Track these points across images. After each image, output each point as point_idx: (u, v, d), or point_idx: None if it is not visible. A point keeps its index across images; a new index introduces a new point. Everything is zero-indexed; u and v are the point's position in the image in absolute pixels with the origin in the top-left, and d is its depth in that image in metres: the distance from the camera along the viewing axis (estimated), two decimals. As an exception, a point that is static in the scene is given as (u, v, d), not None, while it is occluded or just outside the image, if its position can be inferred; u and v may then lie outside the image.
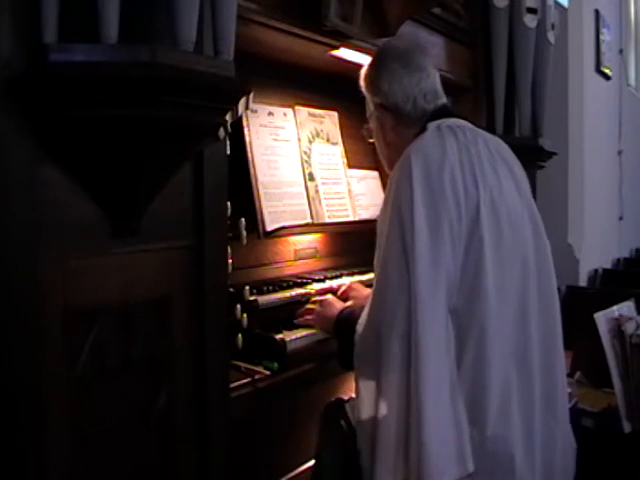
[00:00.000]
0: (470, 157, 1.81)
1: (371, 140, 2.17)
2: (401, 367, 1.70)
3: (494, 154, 1.89)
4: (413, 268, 1.69)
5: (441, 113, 1.96)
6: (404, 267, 1.72)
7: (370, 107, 2.08)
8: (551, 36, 3.38)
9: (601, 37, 5.63)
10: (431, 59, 2.06)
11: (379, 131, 2.06)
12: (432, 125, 1.89)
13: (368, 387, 1.77)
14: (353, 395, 1.90)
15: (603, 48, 5.68)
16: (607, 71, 5.83)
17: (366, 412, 1.76)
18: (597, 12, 5.57)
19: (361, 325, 1.85)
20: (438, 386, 1.66)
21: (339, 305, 2.16)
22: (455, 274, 1.71)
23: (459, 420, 1.68)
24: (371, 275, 2.51)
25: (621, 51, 6.64)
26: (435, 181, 1.74)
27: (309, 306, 2.26)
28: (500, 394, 1.70)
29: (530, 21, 3.24)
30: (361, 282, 2.47)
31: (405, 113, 1.96)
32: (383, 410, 1.72)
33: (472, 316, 1.71)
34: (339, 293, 2.38)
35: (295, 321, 2.24)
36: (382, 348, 1.73)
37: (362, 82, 2.09)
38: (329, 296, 2.26)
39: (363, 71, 2.09)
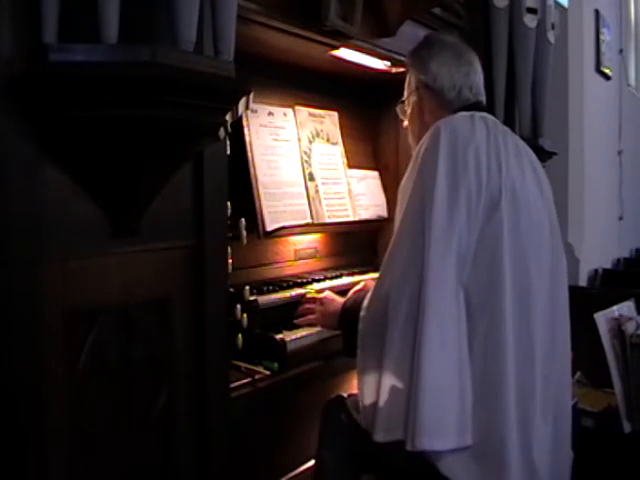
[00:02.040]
0: (497, 145, 1.82)
1: (403, 118, 2.18)
2: (408, 327, 1.70)
3: (522, 152, 1.91)
4: (427, 234, 1.70)
5: (479, 106, 1.99)
6: (420, 232, 1.72)
7: (412, 85, 2.09)
8: (551, 36, 3.38)
9: (601, 37, 5.63)
10: (479, 59, 2.08)
11: (417, 109, 2.08)
12: (465, 112, 1.91)
13: (375, 347, 1.76)
14: (354, 392, 1.90)
15: (603, 48, 5.68)
16: (607, 71, 5.83)
17: (371, 371, 1.77)
18: (597, 12, 5.57)
19: (367, 302, 1.86)
20: (442, 352, 1.66)
21: (340, 300, 2.17)
22: (468, 247, 1.71)
23: (464, 392, 1.68)
24: (371, 275, 2.52)
25: (621, 51, 6.64)
26: (460, 154, 1.75)
27: (307, 305, 2.27)
28: (512, 381, 1.70)
29: (530, 21, 3.24)
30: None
31: (448, 99, 1.99)
32: (387, 372, 1.72)
33: (485, 295, 1.71)
34: (352, 292, 2.38)
35: (296, 321, 2.24)
36: (390, 310, 1.74)
37: (410, 59, 2.10)
38: (327, 293, 2.26)
39: (413, 49, 2.11)
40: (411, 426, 1.65)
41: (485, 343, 1.70)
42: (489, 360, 1.70)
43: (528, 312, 1.77)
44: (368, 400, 1.77)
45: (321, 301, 2.21)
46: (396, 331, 1.72)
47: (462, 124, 1.83)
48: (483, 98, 2.04)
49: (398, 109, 2.20)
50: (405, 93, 2.13)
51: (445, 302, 1.68)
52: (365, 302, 1.88)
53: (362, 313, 1.86)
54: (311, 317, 2.22)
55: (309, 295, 2.31)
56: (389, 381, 1.72)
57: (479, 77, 2.04)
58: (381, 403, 1.72)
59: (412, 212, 1.77)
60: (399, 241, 1.81)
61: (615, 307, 2.98)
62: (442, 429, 1.65)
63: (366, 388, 1.78)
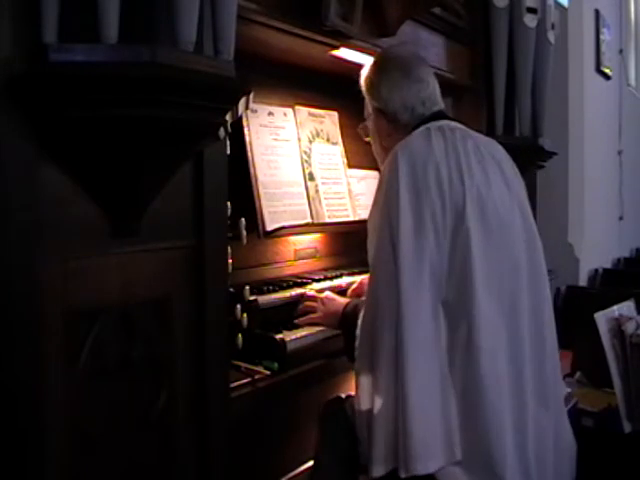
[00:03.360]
0: (457, 154, 1.83)
1: (367, 139, 2.20)
2: (391, 360, 1.72)
3: (484, 153, 1.90)
4: (397, 262, 1.72)
5: (435, 117, 1.99)
6: (392, 260, 1.74)
7: (368, 108, 2.12)
8: (551, 36, 3.38)
9: (601, 37, 5.64)
10: (430, 70, 2.09)
11: (375, 134, 2.12)
12: (422, 127, 1.93)
13: (366, 379, 1.79)
14: (353, 393, 1.91)
15: (603, 48, 5.69)
16: (607, 71, 5.83)
17: (364, 403, 1.78)
18: (597, 12, 5.58)
19: (359, 322, 1.88)
20: (424, 378, 1.69)
21: (342, 300, 2.19)
22: (441, 265, 1.73)
23: (447, 409, 1.70)
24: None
25: (621, 51, 6.64)
26: (419, 174, 1.77)
27: (307, 304, 2.27)
28: (493, 385, 1.71)
29: (530, 21, 3.24)
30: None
31: (403, 122, 2.00)
32: (377, 401, 1.74)
33: (461, 307, 1.73)
34: (349, 292, 2.39)
35: (296, 321, 2.25)
36: (376, 341, 1.76)
37: (362, 84, 2.12)
38: (328, 293, 2.27)
39: (364, 73, 2.12)
40: (403, 452, 1.67)
41: (465, 352, 1.72)
42: (469, 371, 1.72)
43: (513, 310, 1.79)
44: (362, 426, 1.79)
45: (322, 301, 2.22)
46: (382, 363, 1.74)
47: (418, 143, 1.85)
48: (438, 106, 2.04)
49: (360, 130, 2.22)
50: (365, 114, 2.16)
51: (423, 329, 1.71)
52: (360, 316, 1.89)
53: (357, 331, 1.89)
54: (312, 316, 2.23)
55: (309, 293, 2.31)
56: (381, 411, 1.73)
57: (432, 88, 2.04)
58: (376, 436, 1.74)
59: (382, 241, 1.79)
60: (375, 273, 1.83)
61: (615, 307, 2.98)
62: (432, 449, 1.68)
63: (362, 404, 1.80)
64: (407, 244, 1.72)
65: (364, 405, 1.78)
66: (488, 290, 1.74)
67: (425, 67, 2.07)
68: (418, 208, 1.74)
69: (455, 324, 1.73)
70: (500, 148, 2.02)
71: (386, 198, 1.80)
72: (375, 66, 2.09)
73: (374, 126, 2.10)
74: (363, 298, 2.18)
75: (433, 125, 1.91)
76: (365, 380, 1.78)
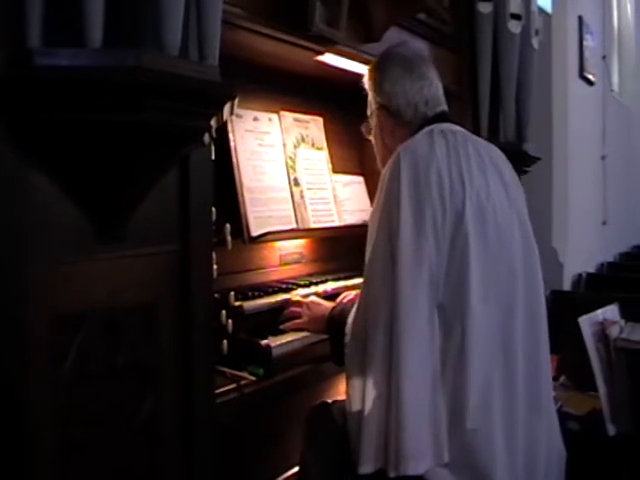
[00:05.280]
0: (458, 158, 1.83)
1: (370, 137, 2.19)
2: (384, 360, 1.72)
3: (484, 158, 1.90)
4: (396, 262, 1.72)
5: (438, 119, 1.99)
6: (389, 261, 1.75)
7: (372, 106, 2.11)
8: (535, 42, 3.40)
9: (585, 43, 5.67)
10: (434, 69, 2.08)
11: (378, 131, 2.10)
12: (425, 129, 1.92)
13: (357, 381, 1.79)
14: (339, 398, 1.91)
15: (587, 54, 5.72)
16: (591, 77, 5.87)
17: (355, 401, 1.78)
18: (580, 18, 5.61)
19: (350, 322, 1.88)
20: (417, 379, 1.69)
21: (327, 304, 2.18)
22: (439, 268, 1.73)
23: (437, 412, 1.70)
24: (357, 280, 2.51)
25: (604, 57, 6.68)
26: (422, 176, 1.77)
27: (292, 309, 2.26)
28: (481, 390, 1.72)
29: (514, 27, 3.26)
30: (346, 287, 2.47)
31: (406, 119, 2.00)
32: (369, 401, 1.74)
33: (456, 311, 1.73)
34: (346, 301, 2.37)
35: (281, 326, 2.23)
36: (368, 342, 1.76)
37: (366, 80, 2.13)
38: (313, 297, 2.27)
39: (368, 69, 2.13)
40: (394, 452, 1.68)
41: (457, 357, 1.72)
42: (459, 375, 1.72)
43: (508, 316, 1.79)
44: (354, 422, 1.79)
45: (308, 306, 2.21)
46: (375, 362, 1.74)
47: (421, 145, 1.85)
48: (441, 107, 2.04)
49: (363, 128, 2.21)
50: (368, 112, 2.15)
51: (418, 330, 1.71)
52: (349, 320, 1.90)
53: (347, 337, 1.89)
54: (297, 321, 2.22)
55: (294, 299, 2.31)
56: (372, 410, 1.74)
57: (435, 88, 2.04)
58: (367, 434, 1.74)
59: (380, 241, 1.79)
60: (371, 272, 1.83)
61: (599, 311, 3.00)
62: (422, 451, 1.68)
63: (353, 405, 1.80)
64: (407, 246, 1.72)
65: (355, 403, 1.78)
66: (483, 296, 1.74)
67: (429, 65, 2.07)
68: (419, 211, 1.74)
69: (449, 328, 1.73)
70: (500, 153, 2.02)
71: (387, 199, 1.80)
72: (378, 63, 2.10)
73: (377, 123, 2.09)
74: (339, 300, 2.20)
75: (436, 128, 1.91)
76: (357, 383, 1.78)
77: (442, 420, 1.71)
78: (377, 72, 2.07)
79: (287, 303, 2.30)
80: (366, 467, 1.73)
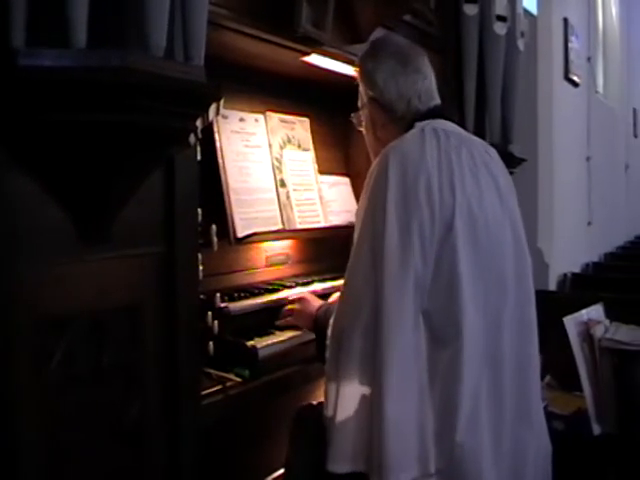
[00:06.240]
0: (450, 164, 1.77)
1: (360, 128, 2.14)
2: (361, 363, 1.71)
3: (477, 163, 1.85)
4: (381, 267, 1.70)
5: (431, 114, 1.94)
6: (371, 264, 1.73)
7: (363, 98, 2.05)
8: (521, 43, 3.42)
9: (570, 45, 5.71)
10: (428, 61, 2.03)
11: (369, 124, 2.04)
12: (418, 126, 1.87)
13: (332, 383, 1.77)
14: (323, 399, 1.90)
15: (572, 56, 5.76)
16: (576, 78, 5.91)
17: (331, 405, 1.77)
18: (566, 20, 5.65)
19: (332, 320, 1.86)
20: (402, 386, 1.67)
21: (316, 302, 2.18)
22: (425, 276, 1.70)
23: (424, 421, 1.68)
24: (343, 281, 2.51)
25: (589, 59, 6.73)
26: (410, 183, 1.72)
27: (290, 306, 2.27)
28: (471, 400, 1.70)
29: (500, 29, 3.27)
30: (334, 288, 2.47)
31: (399, 114, 1.95)
32: (343, 402, 1.73)
33: (448, 323, 1.70)
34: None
35: (276, 322, 2.25)
36: (343, 342, 1.75)
37: (357, 72, 2.05)
38: (307, 293, 2.28)
39: (360, 57, 2.06)
40: (377, 461, 1.66)
41: (449, 365, 1.70)
42: (450, 385, 1.70)
43: (496, 327, 1.77)
44: (328, 422, 1.78)
45: (299, 301, 2.22)
46: (351, 366, 1.72)
47: (412, 149, 1.78)
48: (435, 102, 1.99)
49: (354, 119, 2.16)
50: (359, 103, 2.09)
51: (404, 338, 1.68)
52: (331, 320, 1.88)
53: (328, 332, 1.86)
54: (289, 318, 2.23)
55: (292, 296, 2.32)
56: (348, 413, 1.73)
57: (429, 81, 1.98)
58: (339, 434, 1.73)
59: (364, 243, 1.77)
60: (352, 273, 1.80)
61: (584, 311, 3.02)
62: (406, 461, 1.66)
63: (329, 407, 1.79)
64: (392, 251, 1.69)
65: (330, 408, 1.77)
66: (475, 305, 1.72)
67: (423, 58, 2.01)
68: (405, 216, 1.70)
69: (439, 340, 1.70)
70: (494, 154, 1.98)
71: (371, 201, 1.76)
72: (370, 53, 2.03)
73: (368, 116, 2.02)
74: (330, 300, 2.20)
75: (428, 127, 1.85)
76: (332, 385, 1.77)
77: (429, 431, 1.68)
78: (369, 63, 1.99)
79: (281, 306, 2.31)
80: (340, 466, 1.72)
